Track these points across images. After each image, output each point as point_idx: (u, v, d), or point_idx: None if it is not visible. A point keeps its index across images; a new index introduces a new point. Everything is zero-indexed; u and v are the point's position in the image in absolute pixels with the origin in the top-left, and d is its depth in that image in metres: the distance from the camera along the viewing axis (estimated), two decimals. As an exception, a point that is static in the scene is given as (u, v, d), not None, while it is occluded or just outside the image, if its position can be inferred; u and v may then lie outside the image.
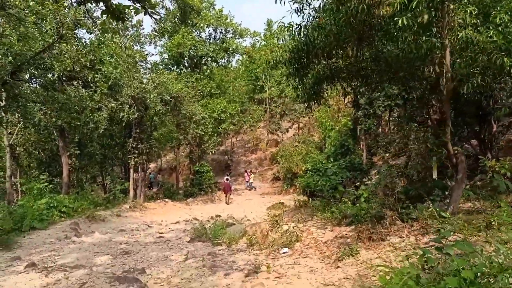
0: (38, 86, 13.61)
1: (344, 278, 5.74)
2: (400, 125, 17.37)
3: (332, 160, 20.08)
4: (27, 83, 10.88)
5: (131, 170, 22.36)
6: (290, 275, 6.42)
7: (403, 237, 6.79)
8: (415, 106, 13.87)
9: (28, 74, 10.22)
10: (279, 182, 35.23)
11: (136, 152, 21.93)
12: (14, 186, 18.32)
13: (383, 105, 17.76)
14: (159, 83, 20.53)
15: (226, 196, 27.40)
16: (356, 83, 10.01)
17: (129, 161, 22.23)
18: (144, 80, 21.32)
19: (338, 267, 6.31)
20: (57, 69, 15.22)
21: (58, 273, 7.27)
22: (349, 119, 22.10)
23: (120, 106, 20.20)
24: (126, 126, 27.23)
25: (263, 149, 42.34)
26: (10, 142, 14.05)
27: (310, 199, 21.58)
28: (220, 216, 19.41)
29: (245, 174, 34.46)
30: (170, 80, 21.26)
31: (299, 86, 9.16)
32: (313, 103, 9.49)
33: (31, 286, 6.58)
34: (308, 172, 20.66)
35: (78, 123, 22.05)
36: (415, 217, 7.55)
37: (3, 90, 10.06)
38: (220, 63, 34.05)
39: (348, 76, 8.78)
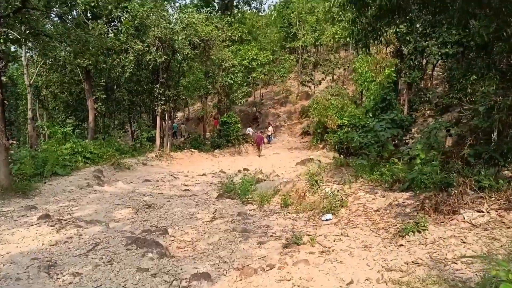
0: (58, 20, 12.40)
1: (413, 262, 4.55)
2: (456, 76, 15.39)
3: (371, 115, 18.40)
4: (44, 15, 9.61)
5: (158, 118, 21.49)
6: (339, 251, 5.29)
7: (482, 212, 5.44)
8: (478, 55, 11.92)
9: (43, 2, 8.95)
10: (308, 137, 33.94)
11: (163, 99, 20.92)
12: (39, 129, 17.80)
13: (439, 53, 15.59)
14: (188, 24, 18.94)
15: (258, 148, 26.69)
16: (413, 23, 8.26)
17: (155, 108, 21.28)
18: (172, 21, 19.77)
19: (401, 245, 5.10)
20: (80, 2, 13.87)
21: (71, 229, 6.45)
22: (392, 70, 20.01)
23: (147, 49, 18.91)
24: (154, 71, 26.14)
25: (293, 102, 40.55)
26: (31, 82, 13.17)
27: (342, 155, 20.35)
28: (248, 170, 18.52)
29: (270, 127, 33.01)
30: (199, 22, 19.58)
31: (356, 20, 7.49)
32: (370, 41, 7.85)
33: (39, 243, 5.78)
34: (344, 127, 19.20)
35: (104, 65, 21.11)
36: (489, 186, 6.16)
37: (16, 21, 8.93)
38: (252, 6, 31.69)
39: (421, 7, 7.02)
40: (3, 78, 15.39)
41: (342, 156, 20.93)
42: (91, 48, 13.25)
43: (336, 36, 24.12)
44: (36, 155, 12.92)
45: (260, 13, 37.94)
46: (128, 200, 9.68)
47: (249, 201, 9.21)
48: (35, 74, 17.44)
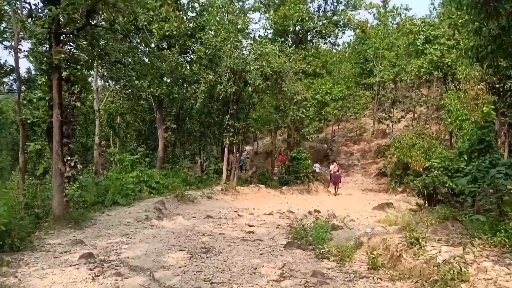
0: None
1: None
2: None
3: (466, 158, 15.76)
4: (110, 33, 9.25)
5: (226, 150, 20.73)
6: None
7: None
8: None
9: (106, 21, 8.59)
10: (385, 178, 31.22)
11: (232, 130, 20.18)
12: (110, 156, 17.87)
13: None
14: (261, 54, 18.26)
15: (335, 187, 25.56)
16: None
17: (224, 139, 20.61)
18: (245, 52, 19.31)
19: None
20: (155, 32, 13.74)
21: (110, 277, 5.32)
22: (492, 108, 17.23)
23: (219, 79, 18.49)
24: (224, 103, 25.92)
25: (368, 140, 38.05)
26: (99, 107, 13.06)
27: (427, 202, 17.80)
28: (319, 211, 16.67)
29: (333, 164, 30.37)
30: (272, 52, 18.84)
31: (479, 31, 5.78)
32: (492, 60, 6.04)
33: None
34: (433, 169, 16.66)
35: (176, 95, 21.16)
36: None
37: (81, 39, 8.63)
38: (327, 41, 30.69)
39: None
40: (77, 104, 15.68)
41: (426, 203, 18.37)
42: (158, 73, 12.89)
43: (422, 69, 21.94)
44: (99, 182, 12.51)
45: (334, 49, 36.82)
46: (184, 240, 8.48)
47: (325, 255, 7.48)
48: (104, 100, 17.76)
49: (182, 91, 20.72)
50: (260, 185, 23.61)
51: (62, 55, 8.89)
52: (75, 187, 12.30)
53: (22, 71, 41.17)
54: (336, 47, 39.00)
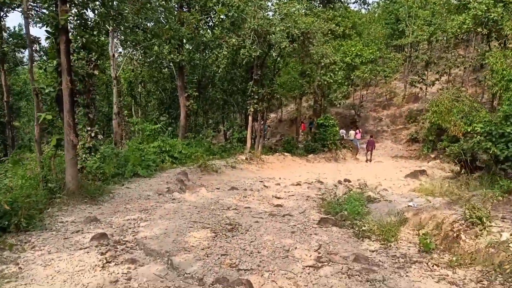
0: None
1: None
2: None
3: (515, 122, 14.23)
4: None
5: (250, 118, 19.79)
6: None
7: None
8: None
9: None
10: (416, 145, 29.88)
11: (256, 97, 19.13)
12: (131, 126, 17.30)
13: None
14: (287, 13, 16.81)
15: (368, 152, 24.92)
16: None
17: (248, 107, 19.62)
18: (270, 13, 17.87)
19: None
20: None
21: (122, 264, 4.64)
22: (544, 66, 15.47)
23: (242, 43, 17.27)
24: (248, 69, 24.72)
25: (399, 105, 36.15)
26: (117, 75, 12.30)
27: (465, 169, 16.61)
28: (349, 181, 15.75)
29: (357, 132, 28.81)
30: (299, 12, 17.33)
31: None
32: None
33: (73, 283, 4.01)
34: (476, 135, 15.27)
35: (198, 62, 20.16)
36: None
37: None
38: (356, 1, 28.49)
39: None
40: (96, 72, 14.97)
41: (464, 170, 17.14)
42: (177, 35, 11.89)
43: (464, 26, 19.85)
44: (119, 153, 11.93)
45: (364, 8, 34.50)
46: (208, 216, 7.79)
47: (365, 234, 6.61)
48: (121, 66, 16.96)
49: (204, 57, 19.66)
50: (286, 154, 22.76)
51: (69, 15, 8.03)
52: (96, 158, 11.81)
53: (44, 38, 40.99)
54: (366, 6, 36.61)
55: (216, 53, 17.78)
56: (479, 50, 27.53)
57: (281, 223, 7.38)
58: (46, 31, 8.31)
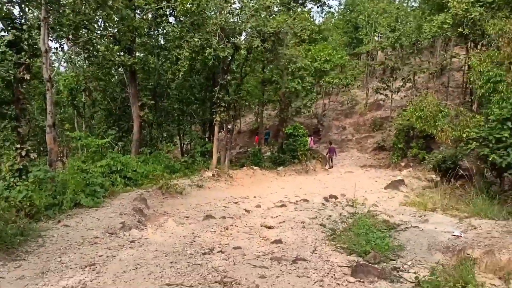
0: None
1: None
2: None
3: (511, 126, 13.07)
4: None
5: (216, 128, 17.30)
6: None
7: None
8: None
9: None
10: (383, 153, 29.04)
11: (223, 105, 16.71)
12: (73, 141, 14.16)
13: None
14: (258, 8, 14.65)
15: (330, 160, 24.58)
16: None
17: (213, 116, 17.12)
18: (236, 6, 15.66)
19: None
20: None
21: None
22: (531, 67, 14.62)
23: (206, 42, 14.86)
24: (208, 76, 22.31)
25: (361, 113, 35.40)
26: (51, 75, 9.45)
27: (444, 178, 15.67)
28: (336, 197, 13.84)
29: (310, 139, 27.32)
30: (272, 7, 15.29)
31: None
32: None
33: None
34: (470, 142, 13.95)
35: (153, 65, 17.44)
36: None
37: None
38: (320, 3, 27.24)
39: None
40: (27, 76, 11.98)
41: (444, 178, 16.12)
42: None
43: (444, 26, 18.93)
44: (55, 176, 8.99)
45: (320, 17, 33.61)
46: (186, 269, 5.26)
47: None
48: (57, 66, 13.92)
49: (161, 61, 16.98)
50: (254, 167, 20.55)
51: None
52: (29, 182, 8.85)
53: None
54: (322, 14, 35.80)
55: (176, 54, 15.19)
56: (445, 55, 27.32)
57: (298, 278, 5.01)
58: None
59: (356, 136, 34.12)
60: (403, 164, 25.05)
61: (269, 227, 8.40)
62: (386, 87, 29.12)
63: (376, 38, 35.35)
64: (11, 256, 5.38)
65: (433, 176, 18.71)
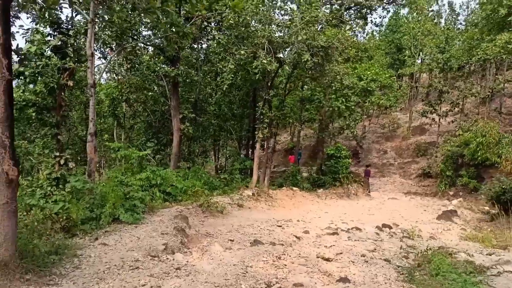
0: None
1: None
2: None
3: None
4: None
5: (258, 145, 16.47)
6: None
7: None
8: None
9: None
10: (429, 180, 27.29)
11: (267, 121, 15.89)
12: (112, 152, 13.72)
13: None
14: (310, 20, 13.86)
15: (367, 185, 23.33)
16: None
17: (255, 132, 16.32)
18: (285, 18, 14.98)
19: None
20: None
21: None
22: None
23: (252, 55, 14.21)
24: (248, 91, 21.67)
25: (404, 137, 33.68)
26: (95, 81, 8.98)
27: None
28: (390, 227, 12.56)
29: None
30: (326, 18, 14.48)
31: None
32: None
33: None
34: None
35: (196, 78, 16.99)
36: None
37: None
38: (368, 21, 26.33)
39: None
40: (70, 83, 11.63)
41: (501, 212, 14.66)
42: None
43: (509, 46, 17.48)
44: (93, 188, 8.36)
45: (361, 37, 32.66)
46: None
47: None
48: (102, 72, 13.58)
49: (204, 73, 16.48)
50: (294, 188, 19.50)
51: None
52: (65, 193, 8.32)
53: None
54: (364, 34, 34.81)
55: (220, 66, 14.62)
56: (500, 79, 25.55)
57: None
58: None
59: (399, 160, 32.39)
60: (451, 193, 23.39)
61: (327, 260, 7.32)
62: (434, 110, 27.46)
63: (418, 61, 33.83)
64: (43, 279, 4.62)
65: (487, 208, 17.30)
